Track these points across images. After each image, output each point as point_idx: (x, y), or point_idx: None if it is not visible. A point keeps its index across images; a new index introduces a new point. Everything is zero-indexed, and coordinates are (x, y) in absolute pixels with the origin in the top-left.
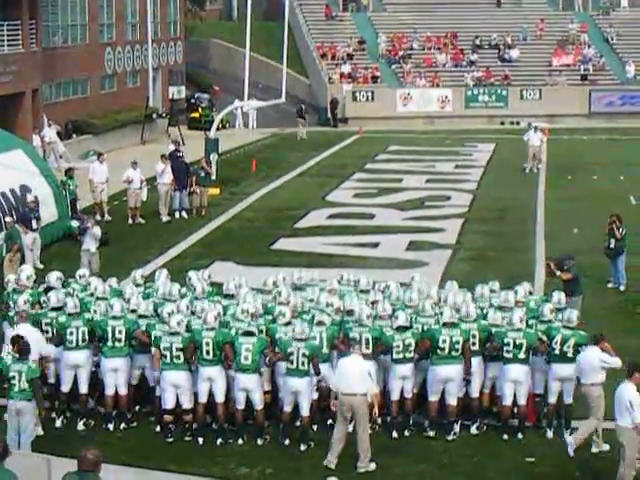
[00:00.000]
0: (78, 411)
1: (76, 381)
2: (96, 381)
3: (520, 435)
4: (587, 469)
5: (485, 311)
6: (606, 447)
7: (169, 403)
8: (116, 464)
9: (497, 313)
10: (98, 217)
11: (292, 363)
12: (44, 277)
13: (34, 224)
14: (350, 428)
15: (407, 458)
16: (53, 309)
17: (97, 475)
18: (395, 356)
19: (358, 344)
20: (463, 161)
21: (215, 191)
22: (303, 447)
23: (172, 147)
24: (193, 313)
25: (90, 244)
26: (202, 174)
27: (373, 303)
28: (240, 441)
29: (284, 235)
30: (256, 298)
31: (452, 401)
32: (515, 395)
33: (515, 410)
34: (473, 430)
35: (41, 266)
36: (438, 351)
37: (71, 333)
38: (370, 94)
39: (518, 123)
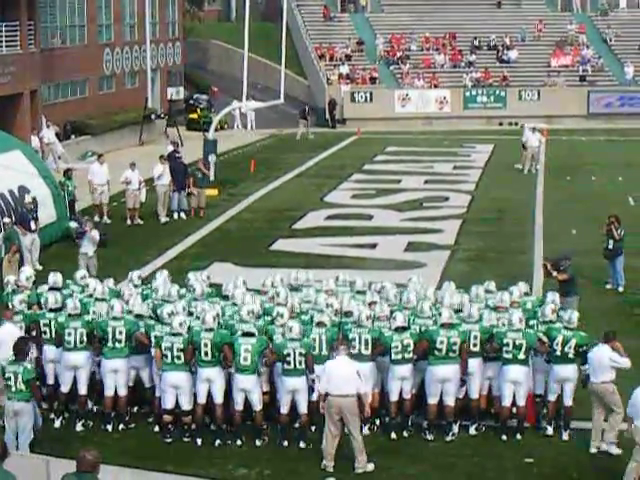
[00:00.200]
0: (77, 412)
1: (75, 382)
2: (95, 382)
3: (519, 436)
4: (585, 469)
5: (480, 312)
6: (605, 447)
7: (169, 404)
8: (114, 465)
9: (492, 314)
10: (97, 218)
11: (289, 364)
12: (46, 278)
13: (33, 225)
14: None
15: (406, 459)
16: (51, 310)
17: (96, 476)
18: (394, 357)
19: (344, 346)
20: (461, 162)
21: (213, 192)
22: (303, 445)
23: (170, 148)
24: (191, 314)
25: (87, 248)
26: (199, 175)
27: (370, 304)
28: (238, 442)
29: (282, 236)
30: (255, 299)
31: (450, 402)
32: (514, 396)
33: (514, 410)
34: (472, 431)
35: (40, 267)
36: (435, 352)
37: (69, 334)
38: (368, 95)
39: (517, 124)
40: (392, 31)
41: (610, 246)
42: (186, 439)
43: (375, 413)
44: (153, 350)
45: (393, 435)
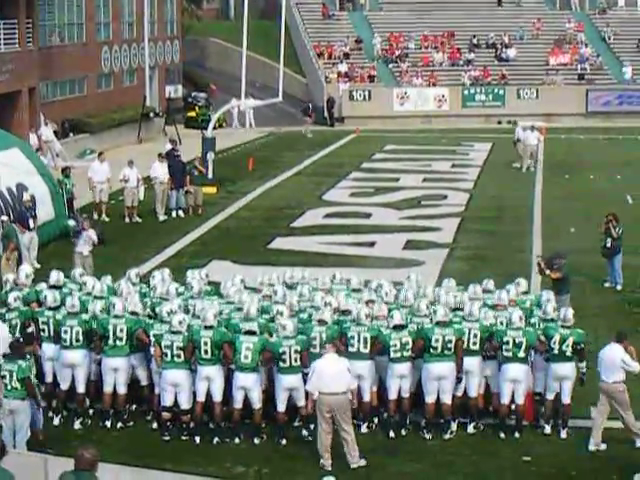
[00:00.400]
0: (75, 410)
1: (74, 380)
2: (91, 381)
3: (517, 434)
4: (584, 468)
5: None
6: (603, 446)
7: (168, 401)
8: (113, 463)
9: (489, 312)
10: (95, 216)
11: (285, 362)
12: (44, 276)
13: (31, 223)
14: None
15: (404, 457)
16: (50, 308)
17: (94, 474)
18: (392, 355)
19: (331, 345)
20: (460, 160)
21: (212, 190)
22: (305, 432)
23: (169, 146)
24: (187, 312)
25: (83, 247)
26: (195, 173)
27: (368, 303)
28: (237, 440)
29: (281, 234)
30: (252, 297)
31: (447, 399)
32: (513, 394)
33: (513, 408)
34: (470, 429)
35: (38, 265)
36: (431, 350)
37: (65, 332)
38: (367, 93)
39: (515, 122)
40: (390, 29)
41: (608, 244)
42: (184, 437)
43: (374, 411)
44: (152, 348)
45: (391, 433)
